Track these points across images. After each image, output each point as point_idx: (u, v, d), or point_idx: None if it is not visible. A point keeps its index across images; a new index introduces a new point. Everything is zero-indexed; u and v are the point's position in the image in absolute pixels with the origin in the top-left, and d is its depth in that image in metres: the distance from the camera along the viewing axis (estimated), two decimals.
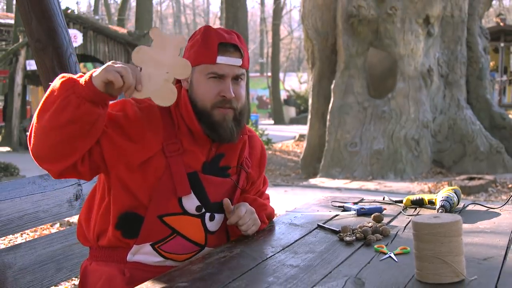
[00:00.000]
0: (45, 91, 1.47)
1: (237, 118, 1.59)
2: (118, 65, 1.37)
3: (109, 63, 1.38)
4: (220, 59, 1.54)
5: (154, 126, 1.54)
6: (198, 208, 1.60)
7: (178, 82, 1.69)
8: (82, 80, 1.39)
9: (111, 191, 1.57)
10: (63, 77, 1.41)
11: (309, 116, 10.39)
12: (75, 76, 1.42)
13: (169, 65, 1.46)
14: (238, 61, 1.57)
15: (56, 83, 1.41)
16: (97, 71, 1.37)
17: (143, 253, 1.58)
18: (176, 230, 1.58)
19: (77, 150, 1.43)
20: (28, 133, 1.47)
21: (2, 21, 18.41)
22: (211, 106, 1.56)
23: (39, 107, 1.42)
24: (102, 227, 1.59)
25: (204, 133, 1.58)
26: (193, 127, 1.58)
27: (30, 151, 1.45)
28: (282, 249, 1.54)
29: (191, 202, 1.58)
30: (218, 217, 1.65)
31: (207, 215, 1.62)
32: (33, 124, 1.43)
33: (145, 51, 1.45)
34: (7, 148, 13.78)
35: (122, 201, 1.55)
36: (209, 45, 1.55)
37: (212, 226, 1.64)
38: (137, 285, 1.31)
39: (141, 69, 1.45)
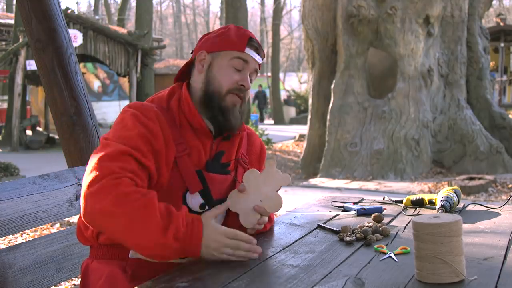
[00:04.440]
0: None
1: (241, 109, 1.68)
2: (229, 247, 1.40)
3: (222, 245, 1.40)
4: (248, 50, 1.65)
5: (167, 134, 1.56)
6: (201, 206, 1.62)
7: (177, 80, 1.73)
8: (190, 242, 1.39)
9: None
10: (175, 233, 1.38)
11: (309, 116, 10.39)
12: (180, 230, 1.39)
13: (266, 196, 1.63)
14: (260, 59, 1.69)
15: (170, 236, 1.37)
16: (207, 243, 1.39)
17: None
18: None
19: None
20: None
21: (2, 21, 18.41)
22: (227, 91, 1.63)
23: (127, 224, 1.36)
24: None
25: (205, 127, 1.63)
26: (195, 122, 1.62)
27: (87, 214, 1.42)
28: (282, 249, 1.54)
29: (195, 200, 1.61)
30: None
31: None
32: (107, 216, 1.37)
33: (256, 175, 1.63)
34: (7, 148, 13.78)
35: None
36: (240, 36, 1.66)
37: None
38: (139, 282, 1.31)
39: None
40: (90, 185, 1.38)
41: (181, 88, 1.68)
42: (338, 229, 1.68)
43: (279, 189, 1.65)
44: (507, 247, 1.48)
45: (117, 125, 1.55)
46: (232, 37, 1.65)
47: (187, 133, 1.61)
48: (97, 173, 1.39)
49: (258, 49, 1.67)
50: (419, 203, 2.05)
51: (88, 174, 1.42)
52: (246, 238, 1.42)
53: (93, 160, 1.44)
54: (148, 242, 1.37)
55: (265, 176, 1.65)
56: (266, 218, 1.66)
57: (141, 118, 1.53)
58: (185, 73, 1.74)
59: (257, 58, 1.67)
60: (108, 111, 20.10)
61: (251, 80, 1.68)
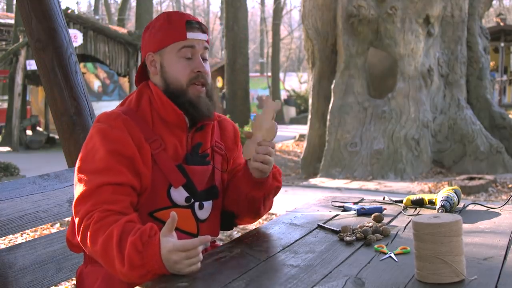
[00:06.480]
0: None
1: (209, 95, 1.67)
2: (191, 262, 1.32)
3: (184, 257, 1.31)
4: (190, 35, 1.62)
5: (137, 135, 1.57)
6: (187, 199, 1.63)
7: (137, 80, 1.72)
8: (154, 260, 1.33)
9: None
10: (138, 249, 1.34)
11: (309, 116, 10.39)
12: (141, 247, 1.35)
13: (266, 128, 1.62)
14: (205, 36, 1.66)
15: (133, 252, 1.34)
16: (172, 260, 1.31)
17: None
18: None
19: None
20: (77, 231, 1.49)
21: (2, 21, 18.42)
22: (187, 84, 1.62)
23: (103, 252, 1.40)
24: None
25: (183, 118, 1.62)
26: (170, 117, 1.62)
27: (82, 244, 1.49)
28: (282, 249, 1.54)
29: (179, 194, 1.61)
30: (207, 204, 1.68)
31: (196, 204, 1.65)
32: (89, 244, 1.43)
33: (258, 118, 1.63)
34: (7, 148, 13.78)
35: None
36: (176, 24, 1.63)
37: (202, 214, 1.67)
38: (134, 284, 1.31)
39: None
40: (77, 231, 1.47)
41: (148, 87, 1.67)
42: (338, 229, 1.68)
43: (273, 117, 1.63)
44: (507, 247, 1.48)
45: (87, 145, 1.56)
46: (170, 28, 1.62)
47: (161, 129, 1.62)
48: (78, 218, 1.47)
49: (199, 27, 1.64)
50: (419, 203, 2.05)
51: (74, 217, 1.50)
52: (194, 244, 1.32)
53: (73, 203, 1.51)
54: (118, 273, 1.39)
55: (263, 113, 1.64)
56: (269, 149, 1.61)
57: (108, 133, 1.54)
58: (143, 74, 1.72)
59: (202, 36, 1.64)
60: None
61: (204, 59, 1.66)
